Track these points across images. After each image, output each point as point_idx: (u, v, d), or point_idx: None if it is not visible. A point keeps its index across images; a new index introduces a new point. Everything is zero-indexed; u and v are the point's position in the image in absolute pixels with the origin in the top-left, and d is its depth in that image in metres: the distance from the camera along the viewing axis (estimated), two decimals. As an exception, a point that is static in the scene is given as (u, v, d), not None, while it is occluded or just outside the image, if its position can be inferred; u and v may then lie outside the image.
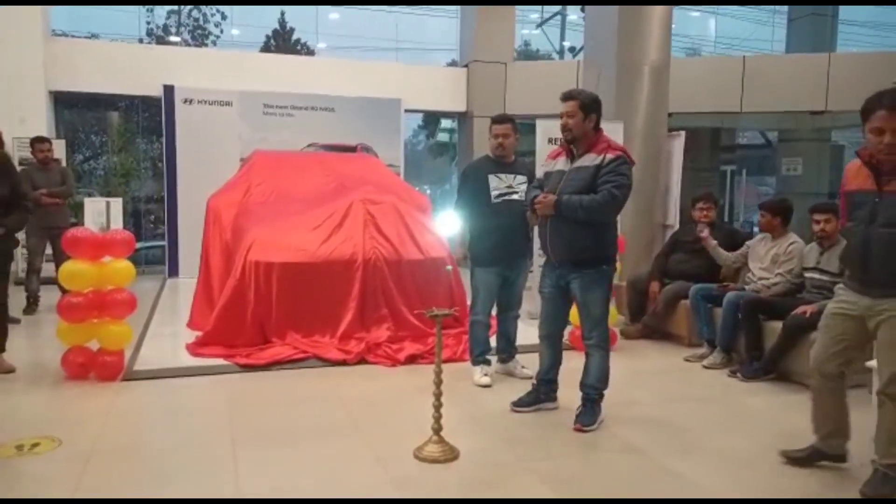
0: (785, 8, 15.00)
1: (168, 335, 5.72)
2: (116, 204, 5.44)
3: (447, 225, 5.54)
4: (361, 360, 4.99)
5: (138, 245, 11.81)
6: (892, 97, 2.70)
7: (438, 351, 3.39)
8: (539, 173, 3.94)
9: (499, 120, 4.55)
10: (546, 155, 4.02)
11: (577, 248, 3.66)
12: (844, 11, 14.85)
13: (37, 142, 6.83)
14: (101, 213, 5.35)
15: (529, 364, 4.44)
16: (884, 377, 2.84)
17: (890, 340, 2.82)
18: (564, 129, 3.68)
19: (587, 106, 3.66)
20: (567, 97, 3.71)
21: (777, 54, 14.78)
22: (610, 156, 3.61)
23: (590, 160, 3.65)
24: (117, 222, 5.38)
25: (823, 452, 3.15)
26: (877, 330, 2.86)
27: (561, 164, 3.79)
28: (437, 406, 3.33)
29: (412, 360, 5.01)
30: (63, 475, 3.03)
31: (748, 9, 17.68)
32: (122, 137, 10.16)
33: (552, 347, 4.00)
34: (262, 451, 3.35)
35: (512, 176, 4.42)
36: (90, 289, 4.52)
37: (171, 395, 4.28)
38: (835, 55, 10.95)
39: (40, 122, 8.80)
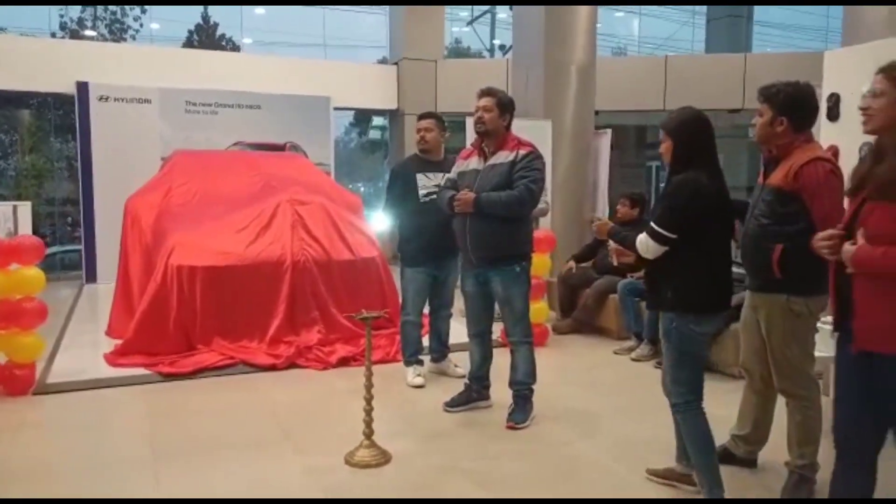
0: (704, 9, 15.57)
1: (85, 344, 5.42)
2: (24, 208, 5.14)
3: (379, 224, 5.48)
4: (292, 365, 4.87)
5: (54, 249, 11.23)
6: (763, 87, 2.78)
7: (368, 354, 3.33)
8: (452, 173, 3.96)
9: (422, 116, 4.60)
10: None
11: (495, 245, 3.69)
12: (759, 13, 15.55)
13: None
14: (8, 218, 5.03)
15: (463, 363, 4.43)
16: (775, 374, 2.88)
17: (770, 336, 2.84)
18: (479, 122, 3.73)
19: (504, 104, 3.73)
20: (485, 93, 3.78)
21: (697, 54, 15.31)
22: (522, 152, 3.69)
23: (503, 157, 3.70)
24: (26, 227, 5.09)
25: (733, 455, 3.16)
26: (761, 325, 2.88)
27: (474, 163, 3.82)
28: (368, 410, 3.28)
29: (344, 362, 4.92)
30: (-36, 501, 2.83)
31: (670, 10, 18.28)
32: (33, 137, 9.58)
33: (482, 345, 4.01)
34: (185, 466, 3.21)
35: (440, 175, 4.38)
36: (-5, 298, 4.24)
37: (87, 408, 4.06)
38: (750, 55, 11.43)
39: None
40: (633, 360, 5.15)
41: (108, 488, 2.98)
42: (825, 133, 4.04)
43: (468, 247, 3.77)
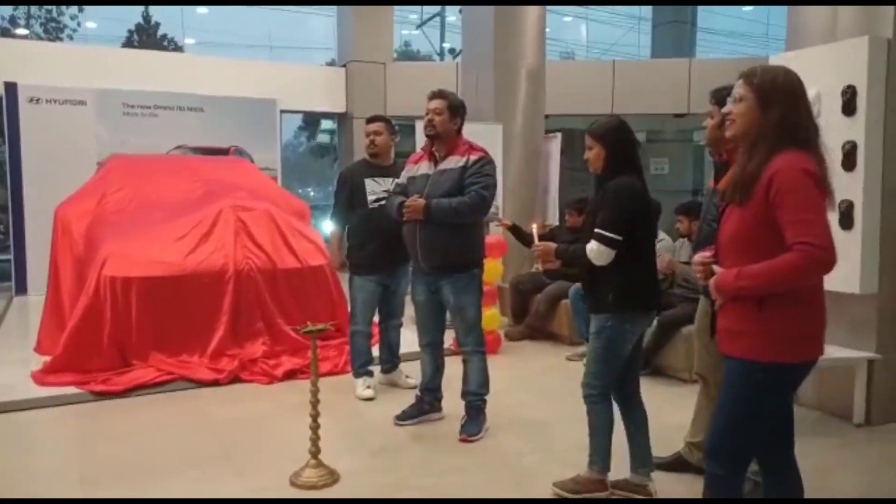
0: (650, 14, 15.85)
1: (12, 362, 5.08)
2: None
3: (327, 230, 5.31)
4: (235, 379, 4.67)
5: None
6: (715, 89, 2.81)
7: (314, 370, 3.18)
8: (401, 178, 3.84)
9: (371, 119, 4.47)
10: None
11: (447, 253, 3.59)
12: (703, 20, 15.90)
13: None
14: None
15: (414, 373, 4.30)
16: None
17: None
18: (429, 125, 3.62)
19: (455, 107, 3.63)
20: (436, 95, 3.67)
21: (644, 59, 15.55)
22: (473, 157, 3.60)
23: (454, 162, 3.61)
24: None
25: (688, 462, 3.13)
26: None
27: (424, 167, 3.71)
28: (315, 427, 3.12)
29: (291, 375, 4.74)
30: None
31: (617, 15, 18.57)
32: (-43, 140, 9.05)
33: (433, 355, 3.89)
34: (118, 492, 3.00)
35: (389, 180, 4.26)
36: None
37: (13, 431, 3.78)
38: (695, 60, 11.64)
39: None
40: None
41: (30, 522, 2.76)
42: (842, 128, 3.96)
43: (419, 255, 3.66)
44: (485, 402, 3.75)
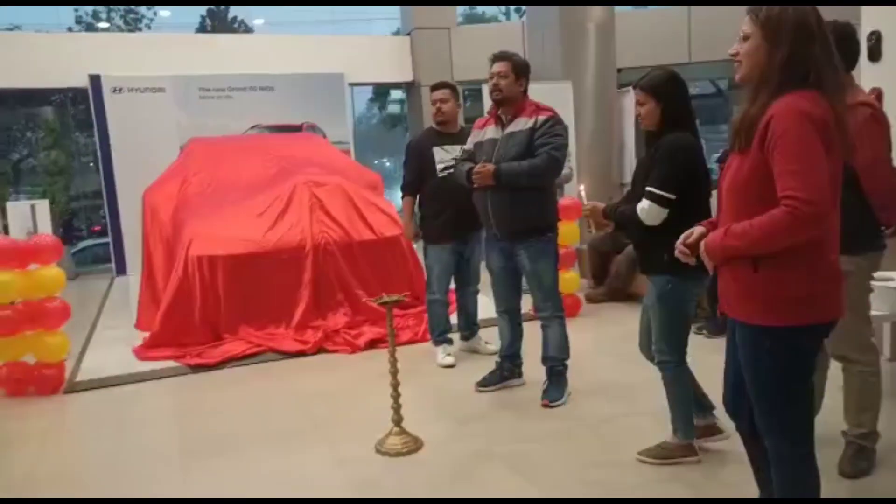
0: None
1: (115, 339, 5.41)
2: (42, 206, 5.09)
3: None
4: (320, 349, 4.80)
5: (86, 243, 11.30)
6: None
7: (391, 340, 3.21)
8: (468, 144, 3.77)
9: (436, 86, 4.41)
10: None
11: (520, 218, 3.52)
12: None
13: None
14: (27, 217, 4.99)
15: (493, 339, 4.29)
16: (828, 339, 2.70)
17: None
18: (495, 89, 3.53)
19: (519, 68, 3.53)
20: (499, 58, 3.57)
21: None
22: (542, 117, 3.49)
23: (522, 124, 3.51)
24: (45, 225, 5.05)
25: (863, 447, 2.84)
26: None
27: (491, 132, 3.62)
28: (396, 396, 3.17)
29: (373, 344, 4.83)
30: (-6, 510, 2.80)
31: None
32: (53, 133, 9.59)
33: (512, 322, 3.86)
34: (214, 461, 3.15)
35: (457, 147, 4.20)
36: (19, 300, 4.22)
37: (117, 405, 4.03)
38: (779, -1, 10.89)
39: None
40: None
41: (135, 487, 2.93)
42: (867, 75, 3.75)
43: (491, 221, 3.61)
44: (566, 366, 3.70)
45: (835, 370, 2.80)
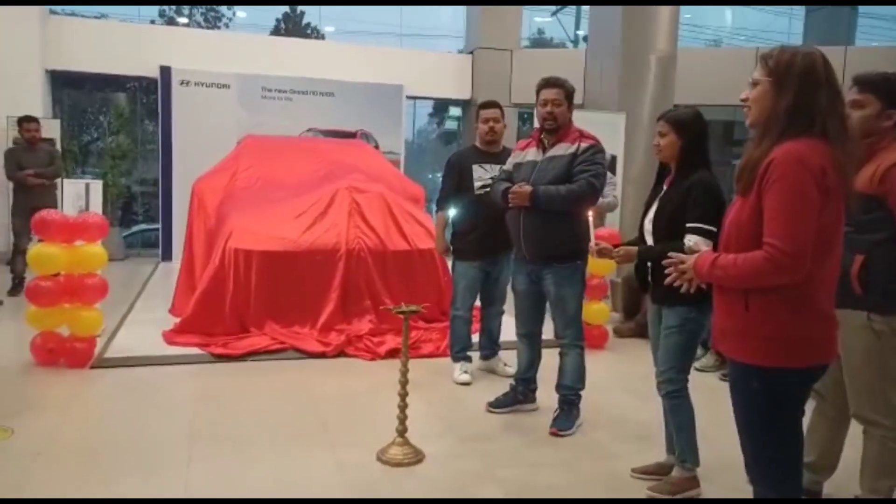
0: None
1: (148, 321, 5.57)
2: (96, 186, 5.30)
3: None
4: (341, 353, 4.84)
5: (138, 228, 11.70)
6: (860, 74, 2.58)
7: (405, 350, 3.22)
8: (507, 165, 3.77)
9: (488, 105, 4.40)
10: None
11: (551, 242, 3.49)
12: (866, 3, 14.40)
13: (24, 121, 6.71)
14: (81, 196, 5.21)
15: (513, 362, 4.24)
16: (850, 398, 2.61)
17: (847, 356, 2.58)
18: (549, 117, 3.52)
19: (571, 95, 3.54)
20: (552, 84, 3.55)
21: (787, 45, 14.33)
22: (584, 144, 3.47)
23: (563, 149, 3.49)
24: (96, 205, 5.26)
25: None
26: None
27: (532, 154, 3.62)
28: (403, 407, 3.17)
29: (393, 354, 4.81)
30: (7, 470, 2.91)
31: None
32: (120, 118, 10.01)
33: (531, 346, 3.83)
34: (219, 451, 3.20)
35: (497, 167, 4.21)
36: (62, 273, 4.40)
37: (138, 385, 4.14)
38: (851, 48, 10.60)
39: (35, 101, 8.69)
40: (698, 369, 4.82)
41: (139, 466, 3.01)
42: None
43: (521, 243, 3.59)
44: (579, 397, 3.64)
45: (856, 432, 2.69)
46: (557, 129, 3.52)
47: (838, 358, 2.61)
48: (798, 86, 1.79)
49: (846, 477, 2.78)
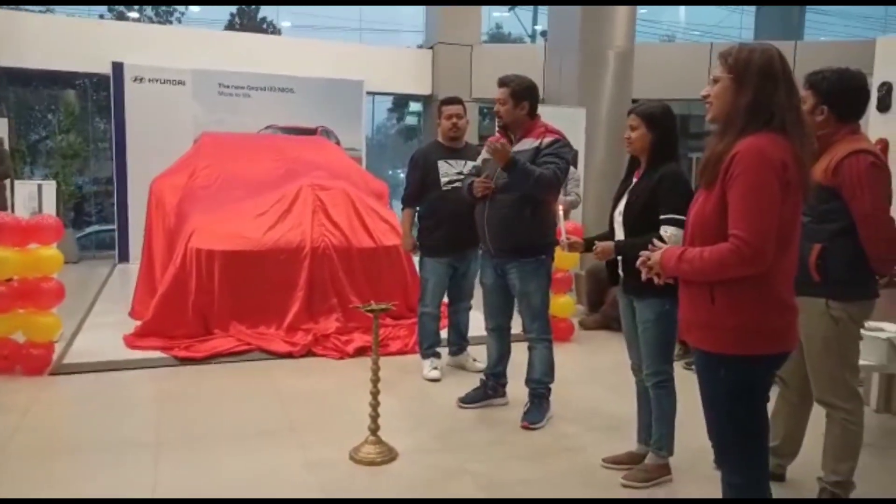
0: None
1: (108, 325, 5.42)
2: (49, 187, 5.13)
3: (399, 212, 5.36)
4: (308, 353, 4.79)
5: (93, 229, 11.37)
6: (810, 72, 2.65)
7: (375, 348, 3.21)
8: (477, 161, 3.80)
9: (450, 101, 4.41)
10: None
11: (514, 236, 3.53)
12: None
13: (-30, 120, 6.46)
14: (33, 197, 5.04)
15: (482, 357, 4.27)
16: (813, 383, 2.70)
17: (807, 342, 2.66)
18: (497, 115, 3.64)
19: (518, 93, 3.55)
20: (500, 84, 3.62)
21: (745, 42, 14.71)
22: (548, 139, 3.53)
23: (528, 144, 3.55)
24: (50, 206, 5.09)
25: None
26: None
27: None
28: (374, 405, 3.16)
29: (361, 352, 4.81)
30: (-37, 482, 2.80)
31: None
32: (71, 116, 9.70)
33: (500, 340, 3.85)
34: (186, 453, 3.15)
35: (462, 162, 4.23)
36: (15, 277, 4.25)
37: (99, 390, 4.03)
38: (801, 43, 10.91)
39: (-21, 99, 8.36)
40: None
41: (106, 471, 2.94)
42: (875, 125, 3.75)
43: (486, 237, 3.62)
44: (549, 390, 3.68)
45: (818, 416, 2.78)
46: (507, 125, 3.60)
47: (800, 345, 2.70)
48: (757, 82, 1.85)
49: (809, 460, 2.87)
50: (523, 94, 3.56)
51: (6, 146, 7.74)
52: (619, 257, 2.90)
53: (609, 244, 2.92)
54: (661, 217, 2.74)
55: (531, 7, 19.79)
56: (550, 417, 3.65)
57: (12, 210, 5.92)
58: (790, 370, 2.79)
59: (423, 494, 2.83)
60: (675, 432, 2.97)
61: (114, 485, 2.82)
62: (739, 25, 16.49)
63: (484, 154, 3.77)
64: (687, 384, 2.75)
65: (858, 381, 2.73)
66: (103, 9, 17.27)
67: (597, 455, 3.18)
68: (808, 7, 14.25)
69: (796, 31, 13.74)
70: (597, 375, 4.58)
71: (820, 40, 13.84)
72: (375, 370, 3.16)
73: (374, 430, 3.16)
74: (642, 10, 7.73)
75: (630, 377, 3.10)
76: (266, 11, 20.46)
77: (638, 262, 2.11)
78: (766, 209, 1.79)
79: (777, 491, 2.83)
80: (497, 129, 3.72)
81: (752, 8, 14.89)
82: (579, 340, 5.45)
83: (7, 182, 6.42)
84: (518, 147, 3.56)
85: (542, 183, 3.42)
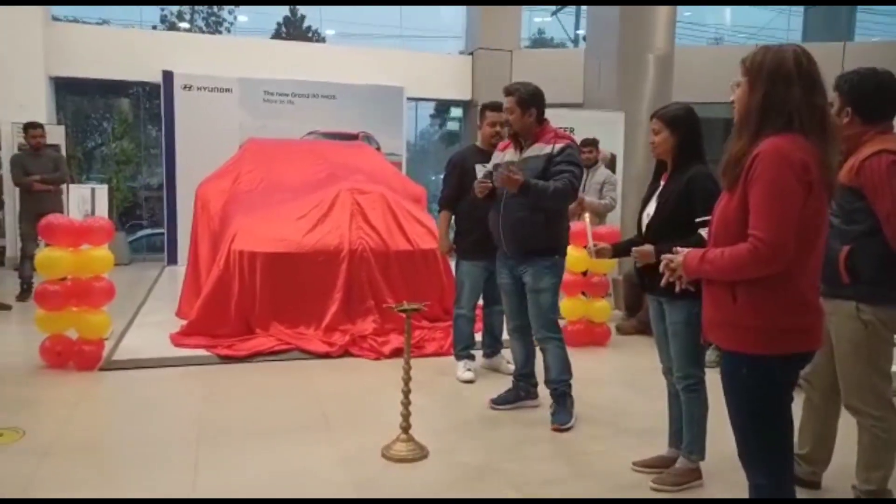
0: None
1: (156, 324, 5.64)
2: (102, 191, 5.36)
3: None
4: (345, 353, 4.89)
5: (145, 232, 11.77)
6: (840, 75, 2.63)
7: (407, 347, 3.27)
8: (489, 165, 3.86)
9: (494, 107, 4.40)
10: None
11: (529, 237, 3.58)
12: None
13: (30, 127, 6.78)
14: (86, 201, 5.27)
15: (515, 360, 4.30)
16: (842, 388, 2.66)
17: (837, 346, 2.64)
18: (505, 123, 3.73)
19: (525, 101, 3.60)
20: (506, 93, 3.68)
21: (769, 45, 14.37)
22: (559, 145, 3.58)
23: (539, 150, 3.60)
24: (102, 209, 5.32)
25: (798, 478, 2.91)
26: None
27: (510, 155, 3.72)
28: (406, 404, 3.22)
29: (397, 353, 4.88)
30: (17, 470, 2.96)
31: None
32: (124, 124, 10.09)
33: (523, 340, 3.89)
34: (225, 449, 3.26)
35: (498, 166, 4.27)
36: (68, 276, 4.46)
37: (146, 386, 4.20)
38: (850, 44, 10.63)
39: (39, 107, 8.77)
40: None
41: (148, 466, 3.06)
42: None
43: (501, 239, 3.70)
44: (570, 386, 3.70)
45: (853, 422, 2.73)
46: (516, 133, 3.67)
47: (829, 347, 2.66)
48: (767, 82, 1.87)
49: (847, 468, 2.81)
50: (530, 101, 3.61)
51: (63, 153, 8.11)
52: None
53: (649, 247, 2.87)
54: (697, 220, 2.72)
55: (574, 10, 19.70)
56: (577, 416, 3.66)
57: (67, 213, 6.19)
58: (816, 371, 2.76)
59: (453, 493, 2.87)
60: (707, 437, 2.94)
61: (156, 481, 2.92)
62: (787, 27, 16.13)
63: (494, 159, 3.84)
64: (720, 388, 2.74)
65: (890, 387, 2.66)
66: (156, 20, 17.89)
67: (627, 458, 3.18)
68: (858, 7, 13.84)
69: (845, 31, 13.35)
70: (630, 379, 4.56)
71: (871, 41, 13.43)
72: (407, 369, 3.22)
73: (406, 428, 3.22)
74: (686, 13, 7.66)
75: (664, 381, 3.09)
76: (311, 20, 20.86)
77: (661, 266, 2.11)
78: (785, 209, 1.79)
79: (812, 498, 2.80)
80: (508, 136, 3.78)
81: (800, 8, 14.54)
82: (615, 345, 5.42)
83: (63, 187, 6.72)
84: (530, 153, 3.63)
85: (559, 196, 3.50)
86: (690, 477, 2.93)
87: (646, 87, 7.30)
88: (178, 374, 4.46)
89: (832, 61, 9.99)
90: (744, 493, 2.13)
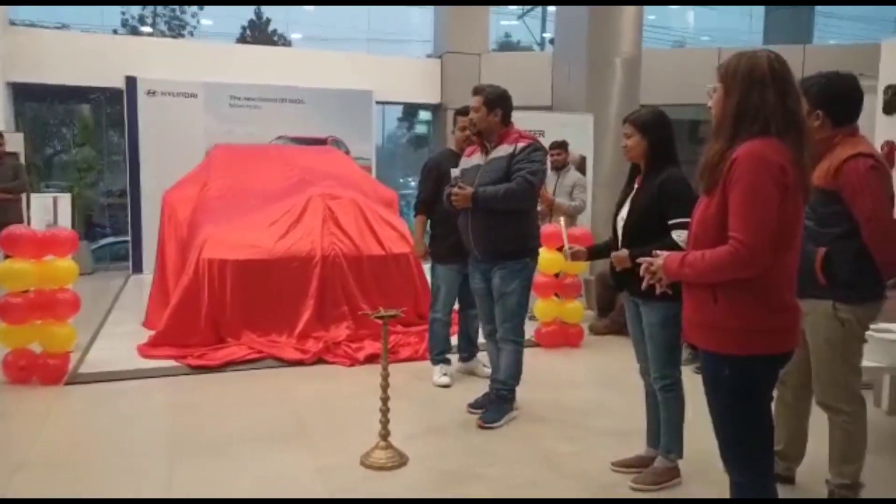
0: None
1: (122, 335, 5.50)
2: (64, 200, 5.22)
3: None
4: (319, 360, 4.84)
5: (108, 241, 11.50)
6: (802, 79, 2.62)
7: (384, 354, 3.24)
8: (457, 170, 3.88)
9: (467, 111, 4.40)
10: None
11: (498, 240, 3.62)
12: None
13: (-12, 135, 6.58)
14: (48, 210, 5.13)
15: (491, 363, 4.30)
16: (815, 385, 2.71)
17: (812, 343, 2.69)
18: (470, 123, 3.76)
19: (491, 101, 3.66)
20: (474, 92, 3.72)
21: (752, 47, 14.71)
22: (521, 145, 3.63)
23: (503, 151, 3.65)
24: (65, 218, 5.18)
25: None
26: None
27: (476, 158, 3.77)
28: (385, 411, 3.19)
29: (372, 359, 4.84)
30: (-18, 489, 2.86)
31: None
32: (85, 131, 9.86)
33: (497, 344, 3.88)
34: (199, 460, 3.19)
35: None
36: (31, 288, 4.32)
37: (114, 399, 4.09)
38: (810, 47, 10.90)
39: (-4, 114, 8.53)
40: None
41: (121, 480, 2.98)
42: (882, 128, 3.75)
43: (472, 243, 3.72)
44: (513, 392, 3.75)
45: (825, 418, 2.78)
46: (480, 132, 3.70)
47: (805, 344, 2.71)
48: (742, 87, 1.91)
49: (818, 463, 2.86)
50: (496, 101, 3.66)
51: (22, 160, 7.88)
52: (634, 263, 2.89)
53: (625, 252, 2.90)
54: (671, 223, 2.75)
55: (539, 13, 19.84)
56: (513, 418, 3.70)
57: (28, 223, 6.03)
58: (789, 370, 2.79)
59: (435, 498, 2.85)
60: (685, 436, 2.97)
61: (129, 491, 2.86)
62: (749, 30, 16.47)
63: (462, 164, 3.88)
64: (696, 388, 2.76)
65: (862, 383, 2.72)
66: (117, 24, 17.54)
67: (606, 458, 3.19)
68: (817, 9, 14.21)
69: (805, 34, 13.70)
70: (606, 379, 4.59)
71: (829, 43, 13.77)
72: (385, 376, 3.19)
73: (385, 435, 3.19)
74: (650, 17, 7.77)
75: (639, 381, 3.11)
76: (277, 24, 20.64)
77: (641, 270, 2.12)
78: (764, 212, 1.82)
79: (787, 494, 2.84)
80: (472, 135, 3.82)
81: (762, 11, 14.86)
82: (589, 345, 5.45)
83: (23, 196, 6.54)
84: (494, 154, 3.68)
85: (512, 197, 3.54)
86: (669, 476, 2.96)
87: (613, 90, 7.38)
88: (148, 386, 4.35)
89: (793, 64, 10.19)
90: (723, 492, 2.16)
